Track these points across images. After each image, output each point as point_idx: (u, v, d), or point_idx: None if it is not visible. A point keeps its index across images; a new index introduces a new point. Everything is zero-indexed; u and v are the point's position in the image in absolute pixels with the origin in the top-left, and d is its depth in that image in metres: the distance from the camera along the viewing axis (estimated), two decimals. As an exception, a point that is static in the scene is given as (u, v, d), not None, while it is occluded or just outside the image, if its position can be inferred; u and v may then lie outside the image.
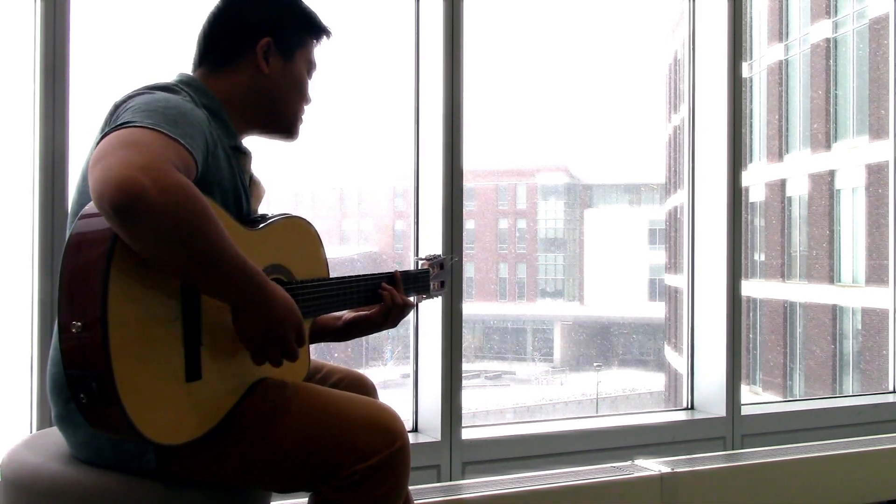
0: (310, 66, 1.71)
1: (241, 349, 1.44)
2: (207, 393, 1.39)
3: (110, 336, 1.21)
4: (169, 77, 1.57)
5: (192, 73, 1.63)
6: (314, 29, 1.70)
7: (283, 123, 1.69)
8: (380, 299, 1.81)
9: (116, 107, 1.42)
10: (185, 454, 1.42)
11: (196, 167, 1.33)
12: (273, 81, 1.64)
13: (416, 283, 1.95)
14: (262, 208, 1.71)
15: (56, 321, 1.28)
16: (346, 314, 1.86)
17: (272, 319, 1.37)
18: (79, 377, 1.23)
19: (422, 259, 2.02)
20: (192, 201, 1.22)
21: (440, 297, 2.06)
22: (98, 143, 1.27)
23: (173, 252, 1.23)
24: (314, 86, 1.74)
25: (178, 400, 1.33)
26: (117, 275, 1.23)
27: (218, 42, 1.63)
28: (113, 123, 1.33)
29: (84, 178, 1.44)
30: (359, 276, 1.78)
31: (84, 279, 1.23)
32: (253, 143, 1.71)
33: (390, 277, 1.84)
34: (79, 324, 1.22)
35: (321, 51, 1.74)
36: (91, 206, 1.28)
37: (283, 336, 1.39)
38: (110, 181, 1.17)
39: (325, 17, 1.73)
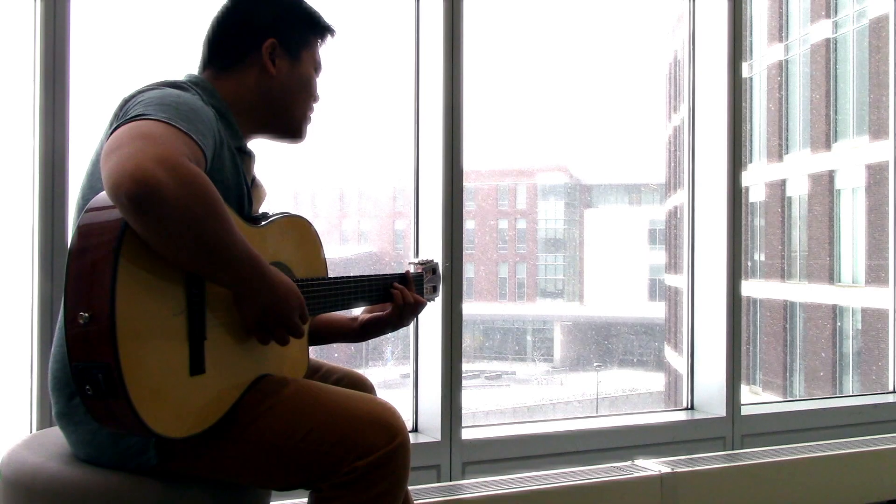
0: (316, 65, 1.72)
1: (244, 345, 1.45)
2: (211, 387, 1.39)
3: (118, 328, 1.21)
4: (178, 76, 1.57)
5: (199, 75, 1.64)
6: (318, 28, 1.71)
7: (291, 124, 1.70)
8: (378, 300, 1.84)
9: (125, 101, 1.42)
10: (186, 451, 1.43)
11: (205, 163, 1.34)
12: (280, 82, 1.64)
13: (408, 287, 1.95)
14: (263, 209, 1.71)
15: (62, 313, 1.28)
16: (362, 316, 1.87)
17: (275, 301, 1.39)
18: (85, 369, 1.23)
19: (414, 263, 2.02)
20: (206, 194, 1.23)
21: (433, 302, 2.07)
22: (110, 135, 1.28)
23: (185, 243, 1.24)
24: (320, 85, 1.74)
25: (182, 393, 1.34)
26: (125, 267, 1.23)
27: (223, 45, 1.63)
28: (124, 117, 1.33)
29: (91, 173, 1.44)
30: (358, 276, 1.79)
31: (92, 271, 1.24)
32: (254, 144, 1.71)
33: (402, 277, 1.87)
34: (86, 315, 1.22)
35: (326, 50, 1.75)
36: (98, 200, 1.28)
37: (286, 315, 1.42)
38: (126, 172, 1.18)
39: (328, 16, 1.73)
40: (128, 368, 1.22)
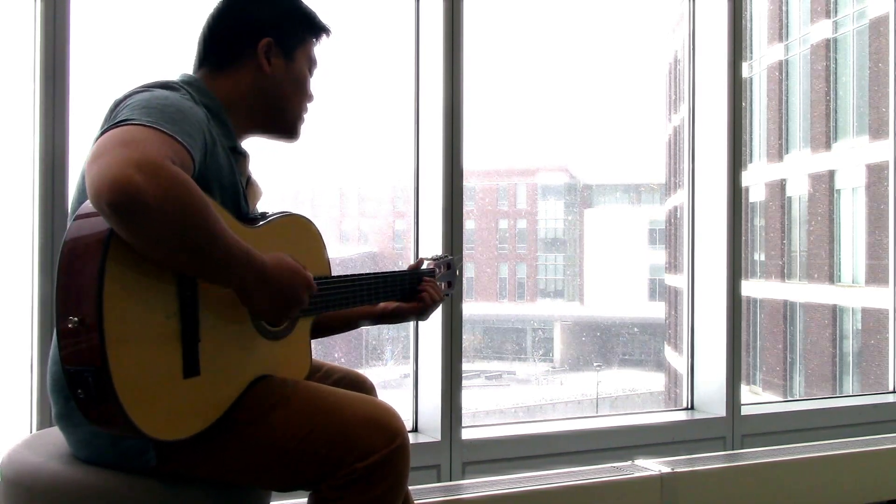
0: (311, 63, 1.71)
1: (241, 346, 1.44)
2: (206, 389, 1.39)
3: (106, 332, 1.22)
4: (171, 76, 1.57)
5: (194, 74, 1.64)
6: (315, 28, 1.70)
7: (286, 123, 1.70)
8: (389, 298, 1.86)
9: (116, 104, 1.42)
10: (185, 452, 1.43)
11: (193, 165, 1.33)
12: (275, 81, 1.64)
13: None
14: (261, 208, 1.71)
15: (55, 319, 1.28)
16: (384, 304, 1.90)
17: (281, 289, 1.40)
18: (76, 373, 1.23)
19: (428, 259, 2.02)
20: (188, 195, 1.22)
21: (447, 297, 2.07)
22: (96, 141, 1.28)
23: (172, 246, 1.24)
24: (315, 84, 1.74)
25: (175, 396, 1.34)
26: (113, 272, 1.23)
27: (218, 44, 1.63)
28: (112, 121, 1.33)
29: (83, 177, 1.44)
30: (362, 274, 1.78)
31: (80, 277, 1.24)
32: (253, 143, 1.71)
33: (415, 276, 1.90)
34: (76, 319, 1.22)
35: (321, 49, 1.74)
36: (86, 206, 1.28)
37: (297, 298, 1.43)
38: (106, 179, 1.17)
39: (324, 16, 1.73)
40: (117, 372, 1.22)
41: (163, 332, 1.32)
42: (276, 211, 1.64)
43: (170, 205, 1.19)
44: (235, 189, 1.54)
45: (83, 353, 1.23)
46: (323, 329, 1.87)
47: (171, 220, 1.20)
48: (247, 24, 1.63)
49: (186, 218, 1.22)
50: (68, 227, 1.30)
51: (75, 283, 1.24)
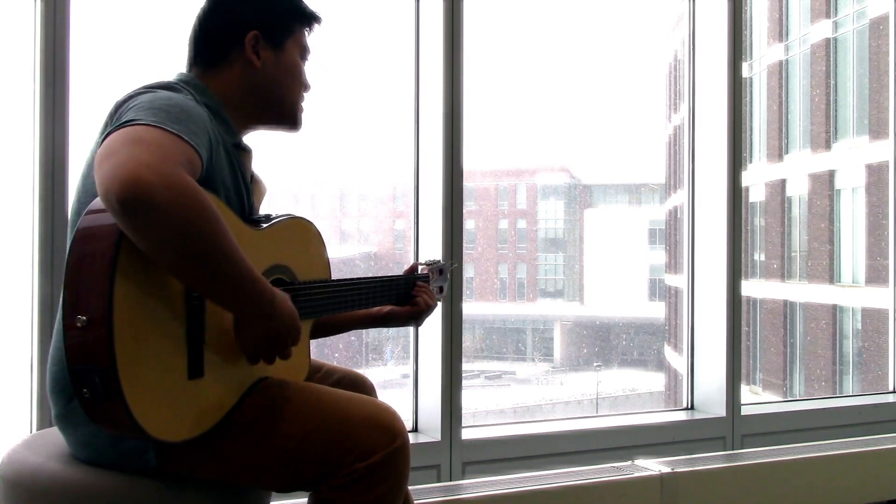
0: (303, 52, 1.70)
1: None
2: (209, 391, 1.39)
3: (115, 331, 1.21)
4: (168, 76, 1.57)
5: (188, 74, 1.64)
6: (302, 17, 1.70)
7: (284, 114, 1.69)
8: (385, 302, 1.88)
9: (118, 105, 1.42)
10: (186, 453, 1.42)
11: (201, 165, 1.33)
12: (266, 74, 1.64)
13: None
14: (264, 207, 1.71)
15: (60, 318, 1.28)
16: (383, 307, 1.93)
17: (273, 333, 1.38)
18: (83, 372, 1.23)
19: (421, 264, 2.03)
20: (198, 202, 1.21)
21: (439, 303, 2.08)
22: (102, 141, 1.27)
23: (177, 251, 1.23)
24: (311, 72, 1.73)
25: (179, 397, 1.34)
26: (123, 271, 1.23)
27: (207, 42, 1.63)
28: (116, 122, 1.33)
29: (85, 178, 1.44)
30: (361, 279, 1.79)
31: (90, 275, 1.24)
32: (253, 142, 1.70)
33: (410, 281, 1.91)
34: (84, 318, 1.22)
35: (314, 37, 1.73)
36: (98, 202, 1.28)
37: (283, 346, 1.41)
38: (117, 178, 1.17)
39: (312, 4, 1.72)
40: (125, 372, 1.22)
41: (169, 333, 1.32)
42: (279, 213, 1.64)
43: (179, 208, 1.19)
44: (239, 188, 1.54)
45: (91, 352, 1.22)
46: (318, 330, 1.87)
47: (178, 223, 1.19)
48: (233, 20, 1.63)
49: (195, 223, 1.20)
50: (80, 220, 1.29)
51: (85, 282, 1.24)
